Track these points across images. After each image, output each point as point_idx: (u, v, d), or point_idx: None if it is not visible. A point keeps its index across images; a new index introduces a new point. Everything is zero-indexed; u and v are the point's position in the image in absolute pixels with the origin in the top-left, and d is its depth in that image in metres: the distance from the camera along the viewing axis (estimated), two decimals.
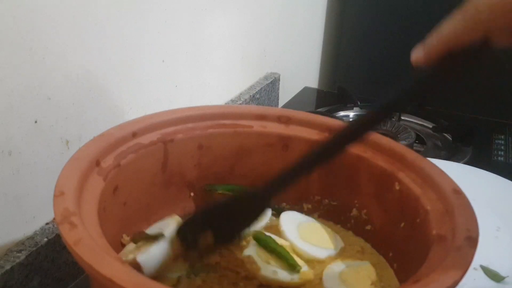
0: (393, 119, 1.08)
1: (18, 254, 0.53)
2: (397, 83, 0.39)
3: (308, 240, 0.55)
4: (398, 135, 0.98)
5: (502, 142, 1.02)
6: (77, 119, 0.59)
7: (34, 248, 0.54)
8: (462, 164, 0.85)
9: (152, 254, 0.45)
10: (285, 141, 0.59)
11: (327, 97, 1.26)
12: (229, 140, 0.59)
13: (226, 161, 0.60)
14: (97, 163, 0.47)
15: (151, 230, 0.52)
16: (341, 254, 0.55)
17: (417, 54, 0.38)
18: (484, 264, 0.63)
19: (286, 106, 1.14)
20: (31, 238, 0.55)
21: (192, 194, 0.60)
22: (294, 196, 0.62)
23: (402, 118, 1.09)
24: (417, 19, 1.19)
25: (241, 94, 0.98)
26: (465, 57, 0.36)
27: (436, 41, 0.37)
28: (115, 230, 0.49)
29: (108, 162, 0.48)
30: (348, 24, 1.30)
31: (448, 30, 0.36)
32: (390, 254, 0.53)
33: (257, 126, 0.60)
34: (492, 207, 0.72)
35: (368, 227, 0.57)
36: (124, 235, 0.52)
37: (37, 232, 0.56)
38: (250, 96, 0.98)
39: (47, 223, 0.58)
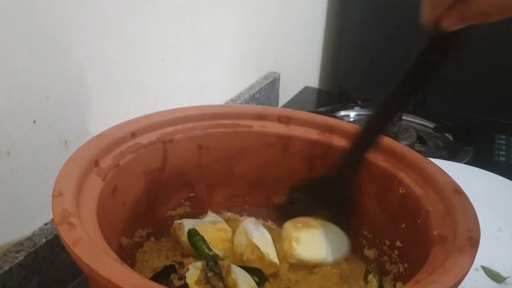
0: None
1: (16, 255, 0.53)
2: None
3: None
4: (399, 135, 0.98)
5: (504, 142, 1.02)
6: (76, 119, 0.59)
7: (33, 249, 0.54)
8: (463, 164, 0.84)
9: None
10: (285, 141, 0.59)
11: (328, 97, 1.26)
12: (229, 140, 0.59)
13: (226, 161, 0.60)
14: (96, 163, 0.47)
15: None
16: None
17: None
18: (486, 264, 0.62)
19: (286, 105, 1.14)
20: (29, 238, 0.55)
21: (191, 194, 0.60)
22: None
23: (403, 118, 1.08)
24: (417, 19, 1.19)
25: (240, 93, 0.98)
26: None
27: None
28: (114, 231, 0.49)
29: (107, 162, 0.48)
30: (348, 24, 1.30)
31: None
32: (394, 255, 0.53)
33: (257, 126, 0.59)
34: (494, 207, 0.72)
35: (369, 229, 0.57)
36: (123, 236, 0.52)
37: (36, 233, 0.56)
38: (250, 95, 0.97)
39: (45, 224, 0.57)
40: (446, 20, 0.40)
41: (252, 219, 0.57)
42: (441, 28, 0.41)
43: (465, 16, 0.39)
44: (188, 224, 0.56)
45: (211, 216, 0.59)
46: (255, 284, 0.49)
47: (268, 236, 0.56)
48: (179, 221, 0.56)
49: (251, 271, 0.50)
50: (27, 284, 0.53)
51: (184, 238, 0.54)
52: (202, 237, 0.54)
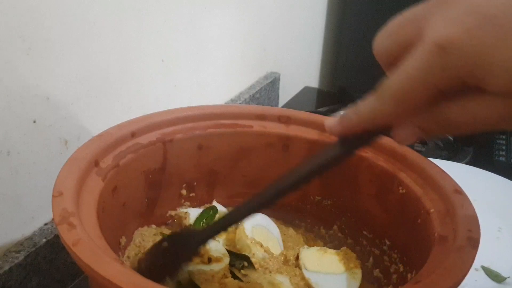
0: None
1: (16, 255, 0.53)
2: None
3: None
4: None
5: (503, 142, 1.02)
6: (76, 119, 0.59)
7: (33, 249, 0.54)
8: (463, 164, 0.84)
9: None
10: (285, 141, 0.59)
11: (328, 97, 1.26)
12: (229, 140, 0.59)
13: (226, 161, 0.60)
14: (96, 163, 0.47)
15: None
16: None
17: (332, 125, 0.33)
18: (486, 264, 0.62)
19: (286, 106, 1.14)
20: (29, 238, 0.55)
21: (192, 194, 0.60)
22: (294, 196, 0.61)
23: None
24: None
25: (241, 93, 0.98)
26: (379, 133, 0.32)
27: (356, 119, 0.32)
28: (114, 231, 0.49)
29: (107, 162, 0.48)
30: (348, 24, 1.30)
31: (369, 110, 0.32)
32: (394, 255, 0.53)
33: (257, 126, 0.59)
34: (494, 207, 0.72)
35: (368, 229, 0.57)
36: (123, 236, 0.52)
37: (36, 233, 0.56)
38: (250, 95, 0.97)
39: (45, 224, 0.58)
40: (402, 129, 0.31)
41: (259, 215, 0.57)
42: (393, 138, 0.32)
43: (431, 128, 0.29)
44: (193, 213, 0.57)
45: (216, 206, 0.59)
46: (226, 252, 0.51)
47: (275, 231, 0.57)
48: (184, 209, 0.57)
49: (240, 257, 0.51)
50: (27, 284, 0.53)
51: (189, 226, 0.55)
52: (213, 216, 0.56)
